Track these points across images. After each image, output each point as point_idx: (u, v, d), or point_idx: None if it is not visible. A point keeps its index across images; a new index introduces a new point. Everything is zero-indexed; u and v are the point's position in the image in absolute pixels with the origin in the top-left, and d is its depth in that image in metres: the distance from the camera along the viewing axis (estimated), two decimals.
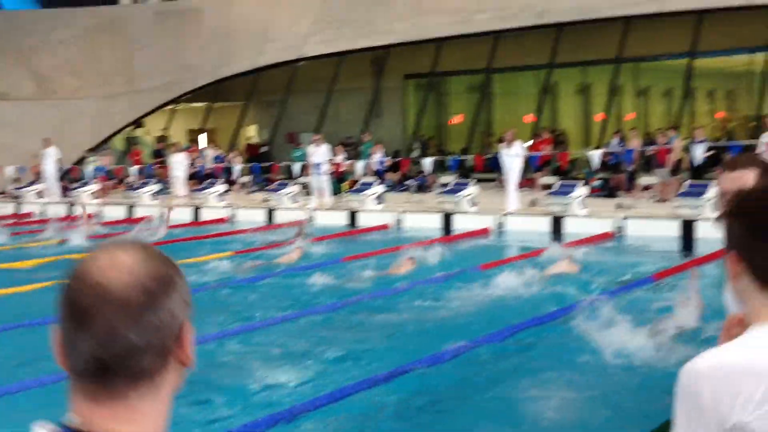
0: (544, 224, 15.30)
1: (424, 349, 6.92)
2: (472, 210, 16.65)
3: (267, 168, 22.49)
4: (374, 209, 17.98)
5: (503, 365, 6.82)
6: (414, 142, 25.32)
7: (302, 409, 5.52)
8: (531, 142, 21.39)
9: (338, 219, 18.07)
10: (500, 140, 22.29)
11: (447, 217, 16.54)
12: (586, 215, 15.18)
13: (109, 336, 1.10)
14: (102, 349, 1.10)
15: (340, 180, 20.58)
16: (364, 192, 18.36)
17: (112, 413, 1.12)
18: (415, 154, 24.31)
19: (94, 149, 28.56)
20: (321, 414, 5.54)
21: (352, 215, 17.91)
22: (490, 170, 20.03)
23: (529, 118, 24.33)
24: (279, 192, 19.77)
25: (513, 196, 16.13)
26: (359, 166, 19.93)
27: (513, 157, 16.26)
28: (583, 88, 26.10)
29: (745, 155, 2.81)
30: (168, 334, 1.14)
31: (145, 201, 21.74)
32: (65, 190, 24.39)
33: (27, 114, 29.13)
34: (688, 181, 15.66)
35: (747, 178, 2.63)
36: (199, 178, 22.86)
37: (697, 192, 14.16)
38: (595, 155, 16.49)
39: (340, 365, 6.82)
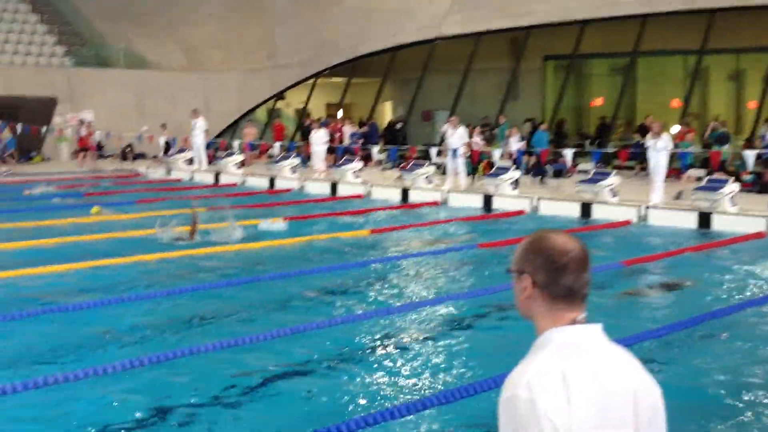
0: (691, 220, 14.79)
1: None
2: (613, 200, 16.29)
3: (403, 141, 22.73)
4: (510, 194, 17.87)
5: None
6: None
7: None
8: (677, 129, 20.47)
9: (473, 202, 18.09)
10: (639, 129, 21.48)
11: (586, 207, 16.26)
12: (736, 213, 14.56)
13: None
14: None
15: (476, 163, 20.53)
16: (500, 176, 18.25)
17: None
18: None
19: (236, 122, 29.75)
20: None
21: (487, 199, 17.89)
22: (630, 158, 19.47)
23: (675, 103, 23.40)
24: (413, 172, 19.94)
25: (659, 189, 15.63)
26: (496, 152, 19.86)
27: (660, 150, 15.70)
28: (736, 75, 24.80)
29: None
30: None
31: (286, 174, 22.46)
32: (212, 159, 25.58)
33: (177, 84, 30.53)
34: None
35: None
36: (337, 154, 23.39)
37: None
38: (750, 156, 15.70)
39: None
